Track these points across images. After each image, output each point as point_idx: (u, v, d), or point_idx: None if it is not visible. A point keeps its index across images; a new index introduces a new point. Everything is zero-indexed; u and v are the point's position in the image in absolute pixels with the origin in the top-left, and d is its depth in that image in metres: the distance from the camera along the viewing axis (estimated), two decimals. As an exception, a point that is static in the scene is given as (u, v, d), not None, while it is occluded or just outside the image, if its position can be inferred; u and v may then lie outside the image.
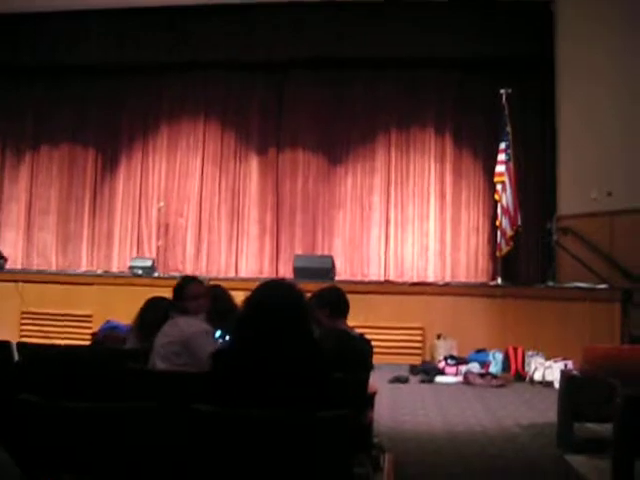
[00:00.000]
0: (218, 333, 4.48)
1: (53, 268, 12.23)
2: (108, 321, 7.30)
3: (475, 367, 8.85)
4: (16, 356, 4.33)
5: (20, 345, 4.47)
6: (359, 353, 4.25)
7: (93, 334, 6.69)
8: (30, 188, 12.75)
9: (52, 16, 12.05)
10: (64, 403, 2.46)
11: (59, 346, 5.59)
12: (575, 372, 5.97)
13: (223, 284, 5.49)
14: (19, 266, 12.26)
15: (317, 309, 4.42)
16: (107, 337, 6.15)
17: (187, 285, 4.39)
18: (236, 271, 12.08)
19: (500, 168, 10.40)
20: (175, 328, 4.16)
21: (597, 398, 5.08)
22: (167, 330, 4.19)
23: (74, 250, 12.50)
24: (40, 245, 12.61)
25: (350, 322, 4.78)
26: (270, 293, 2.83)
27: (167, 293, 5.30)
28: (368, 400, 3.90)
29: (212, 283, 6.05)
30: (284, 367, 2.61)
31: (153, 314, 4.79)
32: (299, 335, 2.69)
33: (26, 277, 10.52)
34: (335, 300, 4.63)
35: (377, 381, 4.89)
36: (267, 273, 11.80)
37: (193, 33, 11.89)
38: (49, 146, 12.77)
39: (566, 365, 8.18)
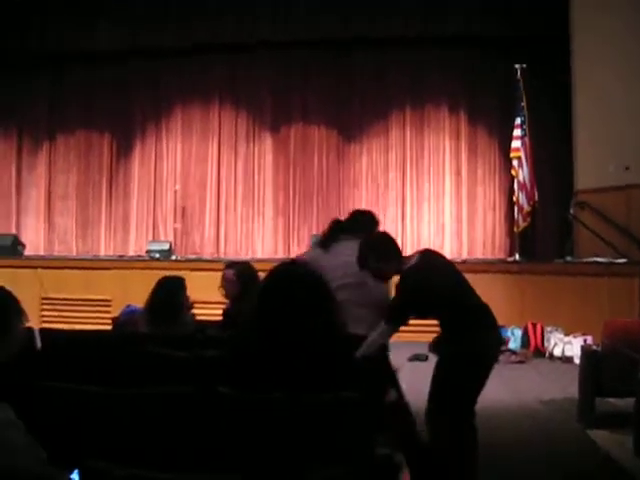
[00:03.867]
0: None
1: (74, 253, 12.33)
2: (128, 305, 7.30)
3: (494, 344, 8.82)
4: (39, 342, 4.35)
5: (43, 331, 4.49)
6: None
7: (114, 319, 6.71)
8: (49, 175, 12.87)
9: (62, 3, 12.10)
10: (91, 388, 2.49)
11: (82, 331, 5.63)
12: (595, 347, 5.95)
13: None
14: (41, 252, 12.37)
15: (371, 261, 4.01)
16: (127, 322, 6.18)
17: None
18: (253, 252, 12.09)
19: (516, 143, 10.33)
20: None
21: (618, 373, 5.08)
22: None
23: (93, 235, 12.59)
24: (61, 231, 12.73)
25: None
26: (288, 271, 2.82)
27: (185, 275, 5.33)
28: (390, 378, 3.90)
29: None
30: (303, 346, 2.60)
31: (163, 296, 4.80)
32: (318, 315, 2.68)
33: (45, 263, 10.59)
34: (377, 247, 4.07)
35: (396, 359, 4.89)
36: (282, 253, 11.78)
37: (192, 16, 11.87)
38: (65, 133, 12.87)
39: (586, 340, 8.15)
